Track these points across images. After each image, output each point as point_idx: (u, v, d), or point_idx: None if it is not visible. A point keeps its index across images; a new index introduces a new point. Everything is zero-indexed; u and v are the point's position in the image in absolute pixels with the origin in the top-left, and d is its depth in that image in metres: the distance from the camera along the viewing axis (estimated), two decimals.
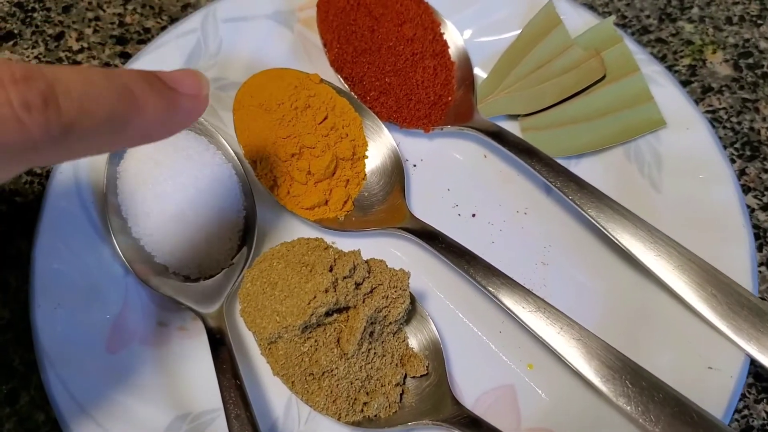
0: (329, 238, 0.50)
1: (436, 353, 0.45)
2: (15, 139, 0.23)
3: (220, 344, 0.44)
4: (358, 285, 0.43)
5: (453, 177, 0.53)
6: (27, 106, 0.23)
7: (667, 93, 0.52)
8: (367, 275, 0.43)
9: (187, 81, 0.33)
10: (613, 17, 0.54)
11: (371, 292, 0.43)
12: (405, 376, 0.45)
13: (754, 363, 0.43)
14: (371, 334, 0.43)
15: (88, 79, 0.25)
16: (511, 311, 0.44)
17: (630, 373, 0.42)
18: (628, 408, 0.41)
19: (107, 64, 0.59)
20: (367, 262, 0.44)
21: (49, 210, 0.47)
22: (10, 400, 0.45)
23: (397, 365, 0.44)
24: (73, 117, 0.25)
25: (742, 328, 0.44)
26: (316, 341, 0.42)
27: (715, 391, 0.43)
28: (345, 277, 0.42)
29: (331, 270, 0.42)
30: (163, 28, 0.59)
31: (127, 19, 0.61)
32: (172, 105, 0.31)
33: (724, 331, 0.44)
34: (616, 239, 0.46)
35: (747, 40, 0.60)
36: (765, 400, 0.46)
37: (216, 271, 0.48)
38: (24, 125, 0.23)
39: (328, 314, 0.42)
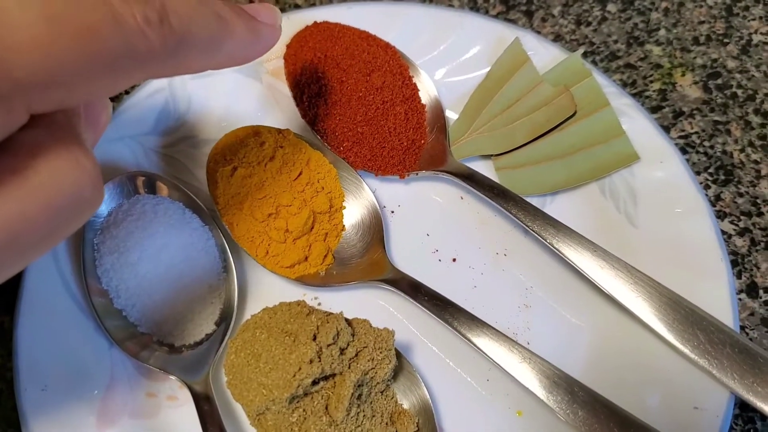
0: (312, 293, 0.50)
1: (425, 410, 0.45)
2: (141, 48, 0.26)
3: (207, 412, 0.44)
4: (342, 350, 0.43)
5: (431, 221, 0.53)
6: (147, 20, 0.26)
7: (639, 126, 0.52)
8: (351, 339, 0.44)
9: (264, 12, 0.37)
10: (580, 51, 0.54)
11: (356, 355, 0.43)
12: None
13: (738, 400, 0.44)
14: (359, 396, 0.44)
15: (190, 3, 0.29)
16: (497, 363, 0.45)
17: (617, 421, 0.42)
18: None
19: None
20: (350, 323, 0.45)
21: (29, 288, 0.47)
22: None
23: (387, 424, 0.44)
24: (182, 34, 0.28)
25: (724, 366, 0.44)
26: (304, 410, 0.43)
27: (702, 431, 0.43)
28: (329, 345, 0.42)
29: (314, 338, 0.42)
30: (134, 86, 0.59)
31: None
32: (256, 31, 0.35)
33: (708, 369, 0.44)
34: (596, 281, 0.47)
35: (715, 60, 0.60)
36: (751, 431, 0.46)
37: (200, 336, 0.48)
38: (147, 36, 0.26)
39: (314, 383, 0.42)
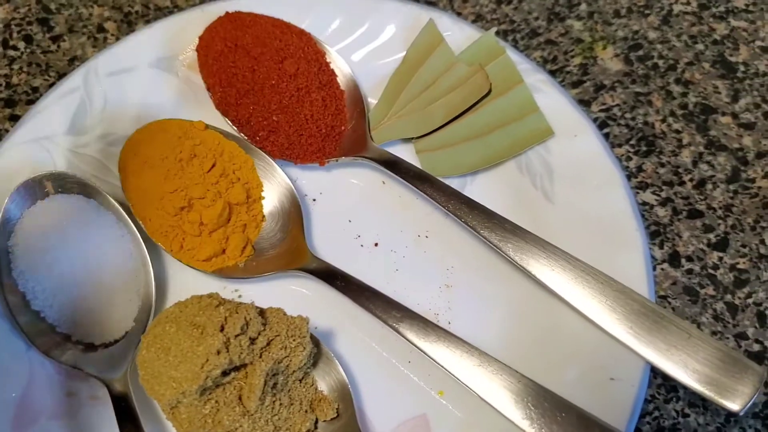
0: (232, 286, 0.50)
1: (344, 394, 0.45)
2: None
3: (124, 410, 0.44)
4: (252, 340, 0.43)
5: (353, 207, 0.53)
6: None
7: (553, 101, 0.52)
8: (263, 328, 0.43)
9: None
10: (493, 29, 0.54)
11: (268, 345, 0.43)
12: (316, 421, 0.45)
13: (654, 369, 0.44)
14: (275, 385, 0.43)
15: None
16: (414, 344, 0.44)
17: (531, 395, 0.42)
18: (532, 430, 0.42)
19: None
20: (263, 313, 0.44)
21: None
22: None
23: (306, 411, 0.44)
24: None
25: (640, 335, 0.44)
26: (216, 402, 0.42)
27: (618, 402, 0.43)
28: (237, 335, 0.42)
29: (222, 329, 0.42)
30: (51, 85, 0.58)
31: (14, 80, 0.60)
32: None
33: (623, 340, 0.44)
34: (510, 257, 0.47)
35: (636, 32, 0.60)
36: (674, 399, 0.46)
37: (119, 333, 0.48)
38: None
39: (225, 374, 0.42)
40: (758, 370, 0.42)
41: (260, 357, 0.43)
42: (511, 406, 0.42)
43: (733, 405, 0.41)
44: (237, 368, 0.43)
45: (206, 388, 0.42)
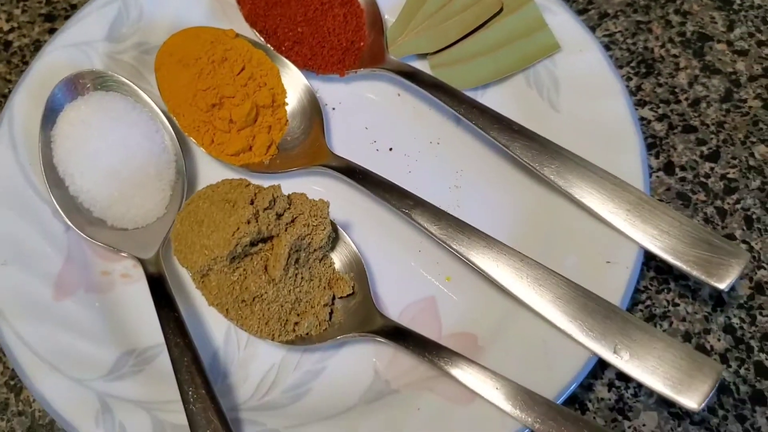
0: (257, 182, 0.53)
1: (359, 274, 0.49)
2: None
3: (158, 284, 0.48)
4: (279, 216, 0.46)
5: (370, 116, 0.57)
6: None
7: (561, 19, 0.56)
8: (288, 206, 0.47)
9: None
10: None
11: (293, 221, 0.47)
12: (333, 297, 0.48)
13: (649, 256, 0.47)
14: (297, 260, 0.47)
15: None
16: (425, 228, 0.48)
17: (532, 275, 0.46)
18: (535, 305, 0.45)
19: (38, 41, 0.62)
20: (288, 196, 0.48)
21: None
22: None
23: (324, 288, 0.48)
24: None
25: (635, 223, 0.48)
26: (244, 270, 0.46)
27: (614, 282, 0.47)
28: (266, 209, 0.46)
29: (252, 203, 0.46)
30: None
31: None
32: None
33: (620, 227, 0.48)
34: (518, 156, 0.50)
35: None
36: (665, 290, 0.50)
37: (151, 219, 0.51)
38: None
39: (253, 244, 0.46)
40: (744, 254, 0.45)
41: (285, 231, 0.46)
42: (511, 281, 0.46)
43: (719, 284, 0.45)
44: (264, 240, 0.46)
45: (235, 256, 0.45)
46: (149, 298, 0.47)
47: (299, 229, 0.46)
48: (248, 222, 0.45)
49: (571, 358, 0.44)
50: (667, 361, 0.43)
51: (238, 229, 0.45)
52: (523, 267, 0.46)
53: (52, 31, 0.62)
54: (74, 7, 0.64)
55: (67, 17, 0.63)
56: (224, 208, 0.46)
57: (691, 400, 0.42)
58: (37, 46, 0.62)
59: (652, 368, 0.43)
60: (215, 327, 0.49)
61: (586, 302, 0.45)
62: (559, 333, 0.45)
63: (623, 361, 0.43)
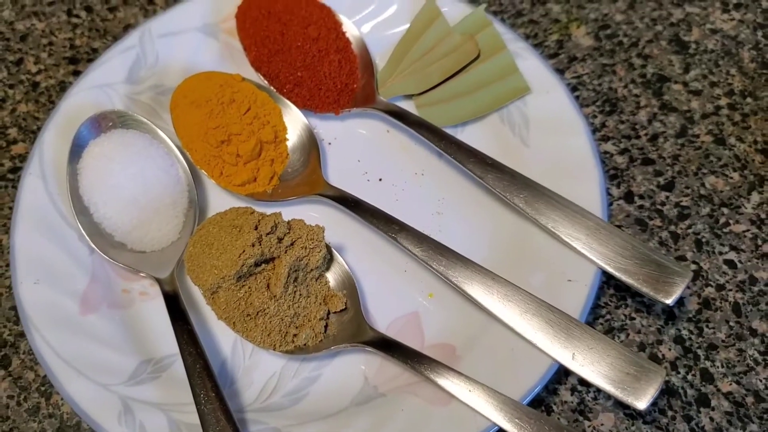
0: (259, 209, 0.60)
1: (351, 291, 0.55)
2: None
3: (173, 301, 0.54)
4: (280, 239, 0.53)
5: (362, 150, 0.63)
6: None
7: (530, 64, 0.63)
8: (288, 231, 0.53)
9: None
10: (483, 5, 0.65)
11: (292, 244, 0.53)
12: (328, 312, 0.54)
13: (608, 275, 0.54)
14: (296, 279, 0.53)
15: None
16: (409, 250, 0.54)
17: (502, 291, 0.52)
18: (505, 318, 0.52)
19: (63, 82, 0.69)
20: (288, 222, 0.54)
21: (23, 204, 0.57)
22: (3, 364, 0.55)
23: (320, 303, 0.54)
24: None
25: (593, 246, 0.54)
26: (249, 287, 0.52)
27: (574, 298, 0.53)
28: (268, 233, 0.52)
29: (256, 228, 0.52)
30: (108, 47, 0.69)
31: (77, 42, 0.71)
32: None
33: (580, 249, 0.54)
34: (491, 186, 0.57)
35: (605, 15, 0.71)
36: (623, 306, 0.56)
37: (167, 244, 0.58)
38: None
39: (257, 265, 0.52)
40: (688, 273, 0.52)
41: (285, 253, 0.53)
42: (483, 296, 0.52)
43: (665, 299, 0.51)
44: (266, 261, 0.53)
45: (241, 275, 0.51)
46: (165, 313, 0.53)
47: (298, 251, 0.53)
48: (253, 245, 0.51)
49: (536, 364, 0.50)
50: (618, 367, 0.49)
51: (244, 251, 0.51)
52: (494, 284, 0.53)
53: (76, 73, 0.69)
54: (95, 51, 0.70)
55: (89, 60, 0.70)
56: (232, 232, 0.53)
57: (639, 401, 0.48)
58: (62, 86, 0.69)
59: (605, 373, 0.49)
60: (223, 338, 0.55)
61: (549, 315, 0.51)
62: (526, 343, 0.51)
63: (580, 367, 0.49)
